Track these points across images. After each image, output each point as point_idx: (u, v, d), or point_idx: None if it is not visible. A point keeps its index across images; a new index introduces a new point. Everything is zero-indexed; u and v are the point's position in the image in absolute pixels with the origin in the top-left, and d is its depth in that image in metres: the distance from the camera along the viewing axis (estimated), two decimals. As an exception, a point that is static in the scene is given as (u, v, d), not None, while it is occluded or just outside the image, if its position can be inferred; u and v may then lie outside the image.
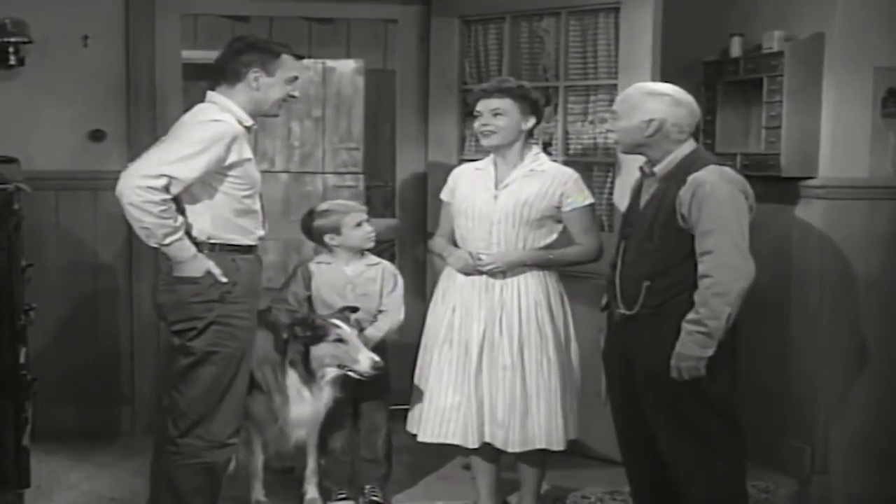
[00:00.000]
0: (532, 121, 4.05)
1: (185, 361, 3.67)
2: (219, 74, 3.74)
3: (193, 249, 3.60)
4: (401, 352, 4.45)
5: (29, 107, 4.91)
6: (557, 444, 4.02)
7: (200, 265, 3.60)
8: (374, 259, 4.36)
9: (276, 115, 3.86)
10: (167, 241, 3.54)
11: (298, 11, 6.10)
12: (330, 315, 4.13)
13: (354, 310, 4.18)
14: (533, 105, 4.05)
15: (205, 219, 3.63)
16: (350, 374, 4.05)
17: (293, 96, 3.79)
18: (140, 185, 3.45)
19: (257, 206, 3.76)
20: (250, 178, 3.68)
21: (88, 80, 4.99)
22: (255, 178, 3.72)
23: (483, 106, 4.05)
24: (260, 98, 3.71)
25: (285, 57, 3.75)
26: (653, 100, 3.66)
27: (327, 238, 4.31)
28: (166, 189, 3.48)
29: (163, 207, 3.48)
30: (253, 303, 3.77)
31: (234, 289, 3.65)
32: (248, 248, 3.73)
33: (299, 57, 3.82)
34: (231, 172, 3.61)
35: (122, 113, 5.03)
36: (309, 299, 4.30)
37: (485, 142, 4.08)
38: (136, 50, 5.04)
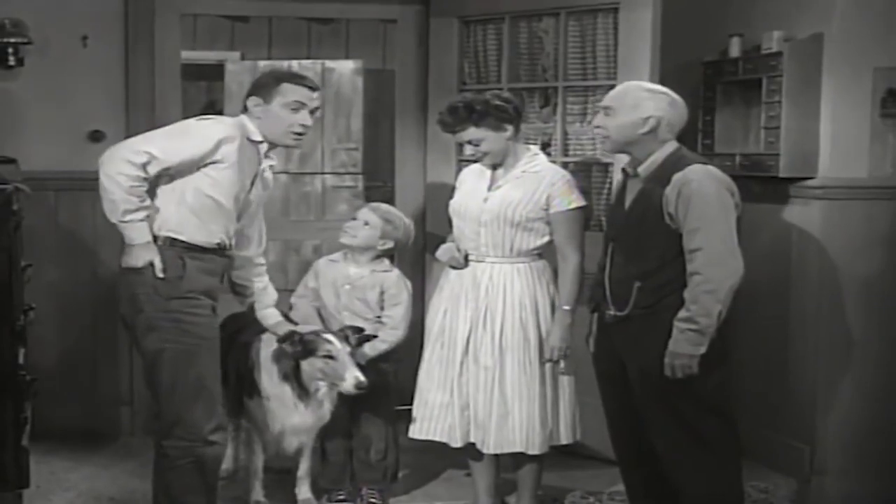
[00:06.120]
0: (509, 127, 3.97)
1: (145, 363, 3.73)
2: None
3: (148, 238, 3.61)
4: (404, 353, 4.44)
5: (28, 107, 4.92)
6: (536, 448, 4.01)
7: (146, 254, 3.60)
8: (384, 266, 4.29)
9: (289, 146, 3.88)
10: (126, 217, 3.56)
11: (298, 11, 6.10)
12: (326, 332, 4.09)
13: (359, 330, 4.15)
14: (499, 116, 3.95)
15: (168, 209, 3.64)
16: (337, 389, 4.02)
17: (304, 125, 3.76)
18: (121, 156, 3.54)
19: (225, 212, 3.72)
20: (225, 183, 3.67)
21: (88, 80, 4.99)
22: (230, 187, 3.69)
23: (458, 138, 4.05)
24: (265, 126, 3.76)
25: (286, 85, 3.76)
26: (652, 98, 3.67)
27: None
28: (144, 167, 3.53)
29: (133, 183, 3.53)
30: (206, 300, 3.72)
31: (181, 283, 3.64)
32: (204, 251, 3.69)
33: (312, 88, 3.79)
34: (209, 166, 3.63)
35: (122, 113, 5.04)
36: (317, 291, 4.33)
37: (482, 164, 4.09)
38: (136, 50, 5.05)
